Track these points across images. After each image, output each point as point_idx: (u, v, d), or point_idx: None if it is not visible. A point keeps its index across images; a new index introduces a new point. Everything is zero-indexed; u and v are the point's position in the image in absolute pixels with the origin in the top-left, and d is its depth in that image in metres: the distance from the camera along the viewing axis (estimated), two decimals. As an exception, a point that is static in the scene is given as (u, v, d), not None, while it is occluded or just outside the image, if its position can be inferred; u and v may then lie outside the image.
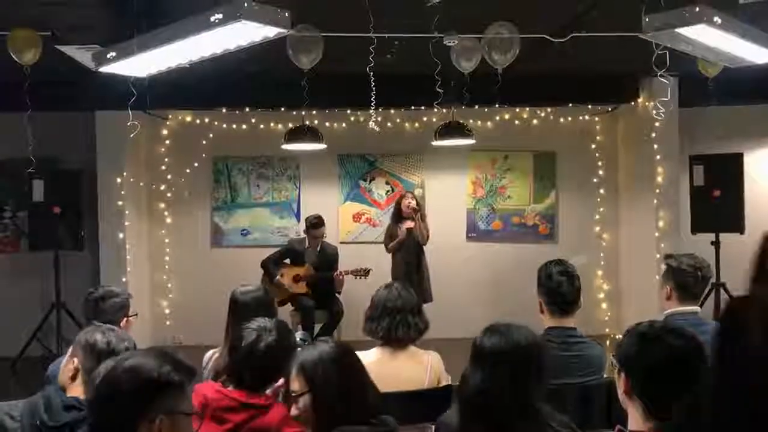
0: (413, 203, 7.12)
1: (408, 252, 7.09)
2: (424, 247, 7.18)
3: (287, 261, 7.22)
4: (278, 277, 7.05)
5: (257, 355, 2.62)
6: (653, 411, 1.94)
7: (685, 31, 3.29)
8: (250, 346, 2.63)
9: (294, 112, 7.28)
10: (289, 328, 3.02)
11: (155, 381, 1.75)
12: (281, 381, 2.67)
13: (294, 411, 2.28)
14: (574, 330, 3.27)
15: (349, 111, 8.04)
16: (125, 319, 3.53)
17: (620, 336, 2.18)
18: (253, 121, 8.24)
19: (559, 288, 3.25)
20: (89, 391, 1.80)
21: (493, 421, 2.19)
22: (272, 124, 8.21)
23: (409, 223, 7.08)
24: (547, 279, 3.28)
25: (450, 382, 3.47)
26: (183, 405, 1.80)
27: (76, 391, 2.46)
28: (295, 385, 2.28)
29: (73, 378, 2.49)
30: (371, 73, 4.69)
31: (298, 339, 3.05)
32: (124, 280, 7.18)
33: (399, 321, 3.34)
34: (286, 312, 6.95)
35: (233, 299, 3.55)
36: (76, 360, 2.50)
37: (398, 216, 7.19)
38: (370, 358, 3.28)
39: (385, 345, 3.38)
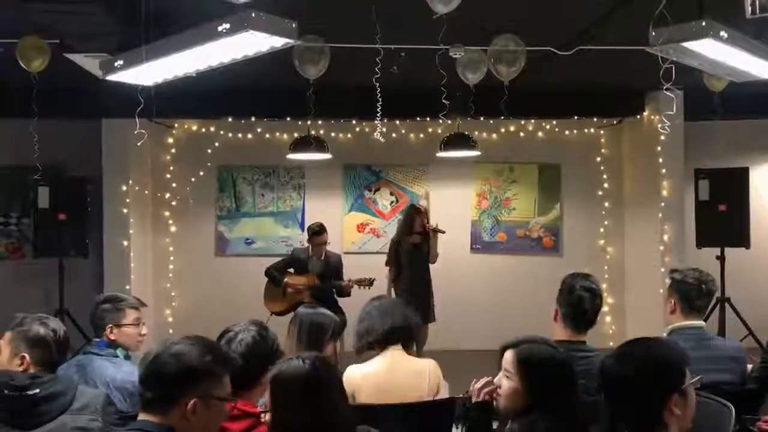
0: (426, 222, 6.96)
1: (415, 268, 6.96)
2: (431, 266, 7.05)
3: (291, 270, 7.21)
4: (286, 279, 7.01)
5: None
6: None
7: (692, 45, 3.29)
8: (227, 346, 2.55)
9: (300, 122, 7.29)
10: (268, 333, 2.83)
11: (194, 368, 1.95)
12: None
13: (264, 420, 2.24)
14: (583, 344, 3.21)
15: (354, 121, 8.05)
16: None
17: None
18: (259, 130, 8.26)
19: (580, 304, 3.19)
20: (140, 370, 2.00)
21: None
22: (278, 134, 8.23)
23: (416, 238, 6.94)
24: (569, 292, 3.23)
25: (448, 390, 3.44)
26: (218, 392, 1.99)
27: None
28: (266, 396, 2.22)
29: (25, 372, 2.61)
30: (377, 84, 4.70)
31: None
32: (127, 287, 7.17)
33: (389, 335, 3.33)
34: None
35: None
36: (27, 356, 2.64)
37: (409, 229, 7.01)
38: (369, 369, 3.29)
39: (383, 356, 3.36)
